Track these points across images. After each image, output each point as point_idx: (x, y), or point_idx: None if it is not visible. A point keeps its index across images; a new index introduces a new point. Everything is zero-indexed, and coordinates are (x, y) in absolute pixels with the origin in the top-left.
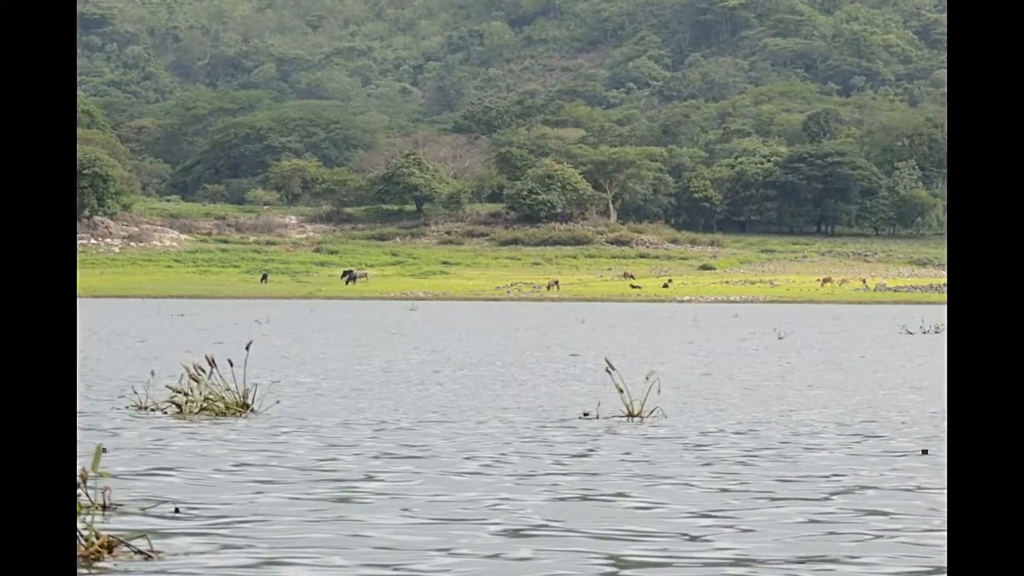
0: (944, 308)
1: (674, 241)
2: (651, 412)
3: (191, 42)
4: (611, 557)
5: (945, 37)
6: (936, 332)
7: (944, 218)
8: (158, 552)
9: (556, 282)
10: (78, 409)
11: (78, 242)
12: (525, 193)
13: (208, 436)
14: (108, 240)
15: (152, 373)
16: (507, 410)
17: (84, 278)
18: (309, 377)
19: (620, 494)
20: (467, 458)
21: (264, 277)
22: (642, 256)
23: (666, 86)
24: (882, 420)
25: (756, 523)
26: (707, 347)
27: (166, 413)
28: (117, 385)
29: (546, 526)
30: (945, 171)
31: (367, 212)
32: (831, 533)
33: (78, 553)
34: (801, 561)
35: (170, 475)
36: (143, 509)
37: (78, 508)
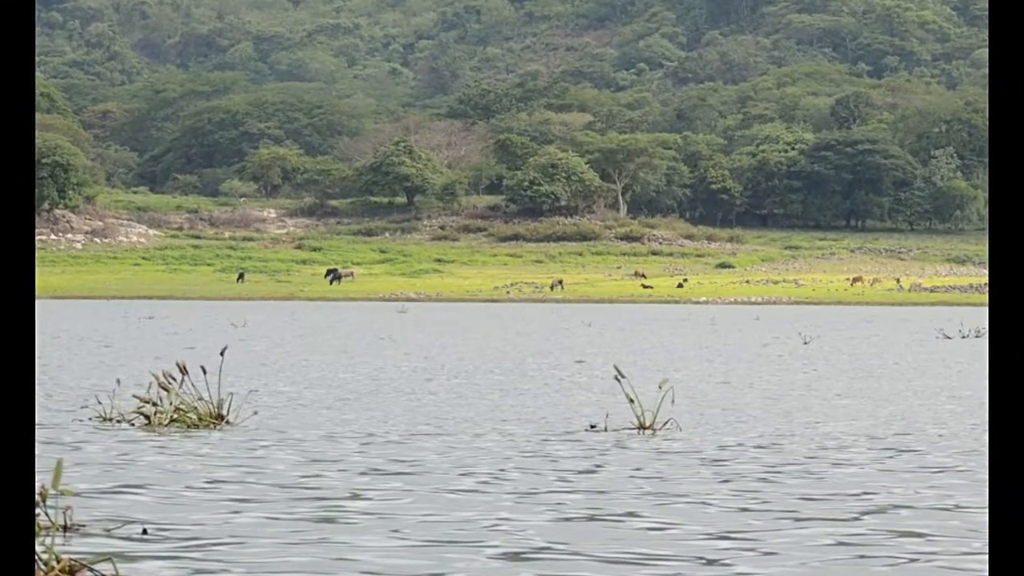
0: (985, 310)
1: (689, 237)
2: (664, 424)
3: (160, 19)
4: None
5: (986, 13)
6: (976, 336)
7: (985, 212)
8: None
9: (560, 281)
10: (37, 421)
11: (36, 238)
12: (526, 184)
13: (179, 450)
14: (70, 235)
15: (118, 381)
16: (507, 422)
17: (43, 277)
18: (290, 386)
19: (630, 514)
20: (463, 474)
21: (240, 276)
22: (654, 253)
23: (681, 67)
24: (917, 433)
25: (779, 545)
26: (725, 353)
27: (133, 425)
28: (80, 394)
29: (549, 549)
30: (986, 160)
31: (353, 205)
32: (861, 556)
33: None
34: None
35: (137, 493)
36: (108, 530)
37: (36, 529)
